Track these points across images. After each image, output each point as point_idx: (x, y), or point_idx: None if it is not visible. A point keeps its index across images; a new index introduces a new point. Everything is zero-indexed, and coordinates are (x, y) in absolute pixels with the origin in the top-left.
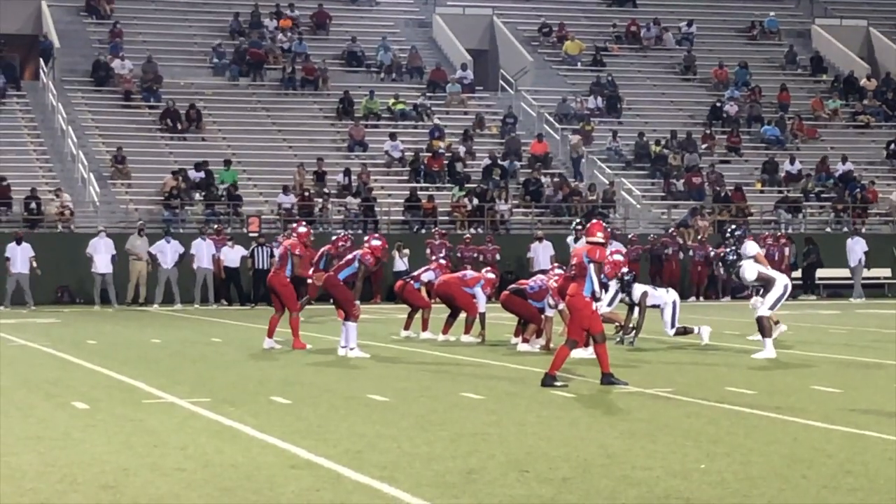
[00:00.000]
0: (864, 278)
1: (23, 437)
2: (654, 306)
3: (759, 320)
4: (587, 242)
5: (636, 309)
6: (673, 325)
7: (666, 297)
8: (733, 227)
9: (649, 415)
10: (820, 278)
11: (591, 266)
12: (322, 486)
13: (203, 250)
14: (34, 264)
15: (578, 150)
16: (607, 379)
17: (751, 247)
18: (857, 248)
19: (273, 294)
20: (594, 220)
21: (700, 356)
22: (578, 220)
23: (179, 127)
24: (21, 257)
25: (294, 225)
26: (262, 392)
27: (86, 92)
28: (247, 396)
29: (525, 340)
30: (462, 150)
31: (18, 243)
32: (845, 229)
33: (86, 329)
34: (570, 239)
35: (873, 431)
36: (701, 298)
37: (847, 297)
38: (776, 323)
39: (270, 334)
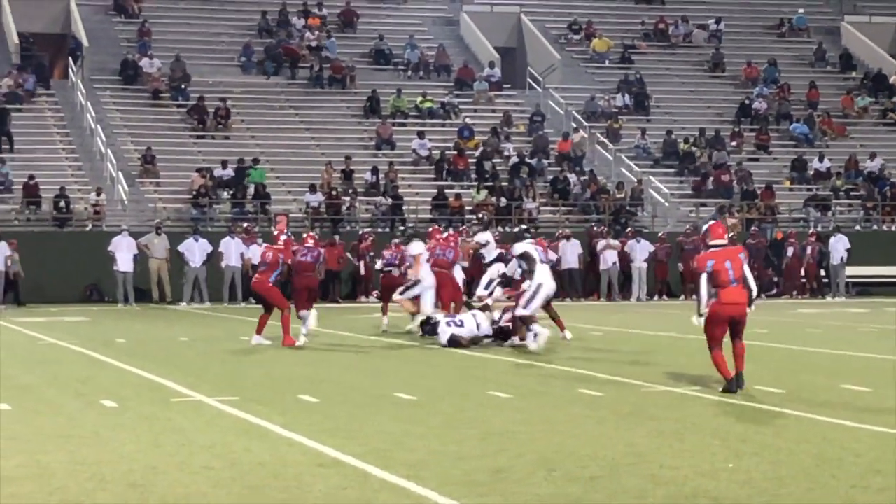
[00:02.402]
0: (888, 276)
1: (52, 435)
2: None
3: (517, 318)
4: (714, 247)
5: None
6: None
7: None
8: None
9: (677, 414)
10: (849, 276)
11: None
12: (349, 484)
13: (231, 249)
14: (9, 263)
15: (583, 148)
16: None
17: (518, 247)
18: (839, 245)
19: (258, 299)
20: (713, 222)
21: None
22: (525, 227)
23: (207, 125)
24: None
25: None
26: (289, 390)
27: (114, 91)
28: (274, 395)
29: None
30: (507, 145)
31: None
32: (875, 227)
33: (114, 327)
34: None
35: None
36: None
37: (875, 295)
38: (562, 331)
39: (259, 331)
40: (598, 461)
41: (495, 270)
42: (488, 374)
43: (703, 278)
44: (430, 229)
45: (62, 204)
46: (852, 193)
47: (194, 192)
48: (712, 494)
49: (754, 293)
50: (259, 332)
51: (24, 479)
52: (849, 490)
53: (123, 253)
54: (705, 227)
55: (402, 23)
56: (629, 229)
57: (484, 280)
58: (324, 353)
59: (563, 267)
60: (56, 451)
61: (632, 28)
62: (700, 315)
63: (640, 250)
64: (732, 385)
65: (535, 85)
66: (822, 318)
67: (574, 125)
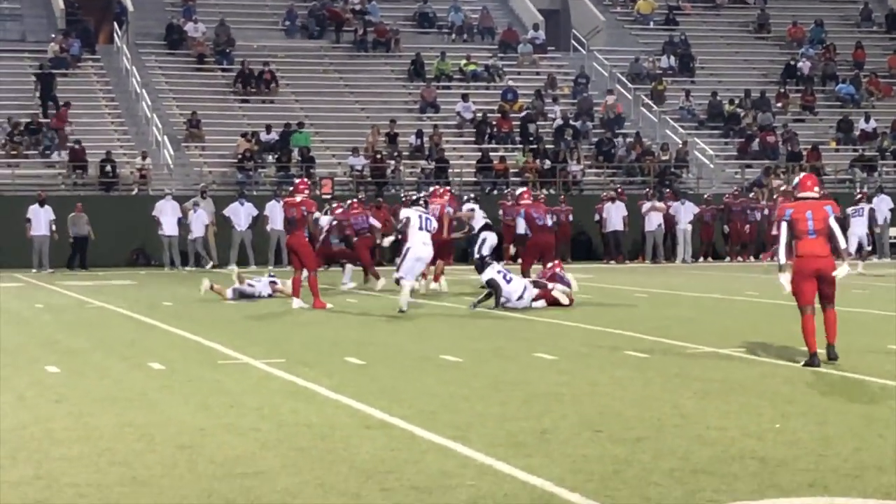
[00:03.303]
0: None
1: (100, 397)
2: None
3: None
4: (801, 198)
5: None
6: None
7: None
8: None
9: (723, 375)
10: (893, 237)
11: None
12: (396, 446)
13: (277, 212)
14: (53, 228)
15: (614, 110)
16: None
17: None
18: (882, 206)
19: (293, 254)
20: (804, 174)
21: (772, 315)
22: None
23: (252, 89)
24: (44, 220)
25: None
26: (336, 353)
27: (159, 55)
28: (321, 357)
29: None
30: (552, 108)
31: (41, 205)
32: None
33: (161, 291)
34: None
35: None
36: (775, 258)
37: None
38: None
39: (297, 294)
40: (643, 422)
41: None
42: (533, 336)
43: (783, 227)
44: (432, 189)
45: (108, 168)
46: None
47: (239, 157)
48: (759, 455)
49: (842, 245)
50: (296, 294)
51: (74, 441)
52: None
53: (168, 217)
54: (797, 179)
55: None
56: (668, 191)
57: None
58: (369, 316)
59: (607, 229)
60: (104, 413)
61: None
62: (782, 270)
63: (685, 212)
64: (815, 360)
65: (579, 47)
66: (869, 279)
67: (609, 88)
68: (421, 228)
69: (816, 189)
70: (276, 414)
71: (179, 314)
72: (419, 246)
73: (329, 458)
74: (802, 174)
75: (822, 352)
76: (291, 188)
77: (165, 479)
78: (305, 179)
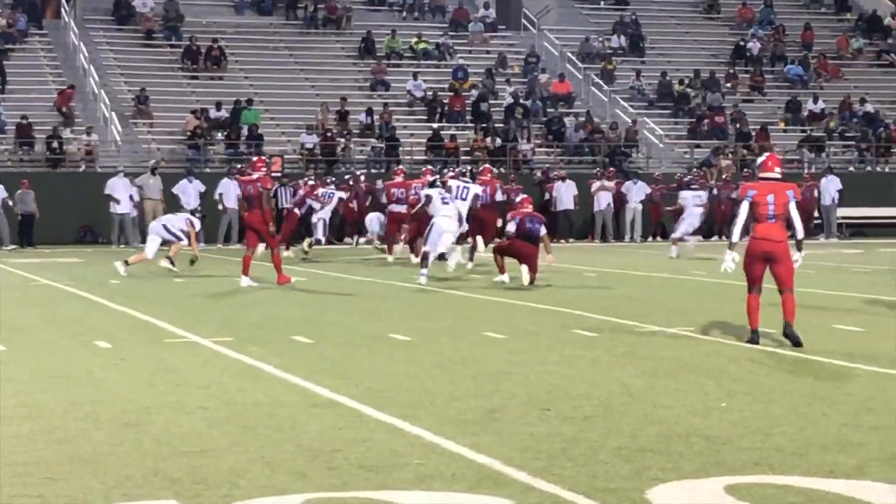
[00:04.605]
0: (880, 217)
1: (46, 375)
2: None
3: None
4: (764, 178)
5: None
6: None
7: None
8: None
9: (670, 353)
10: (842, 217)
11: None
12: (344, 424)
13: (231, 190)
14: (10, 203)
15: (548, 88)
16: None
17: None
18: (830, 187)
19: (250, 232)
20: (768, 154)
21: (719, 294)
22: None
23: (201, 66)
24: None
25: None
26: (284, 331)
27: (107, 31)
28: (269, 336)
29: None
30: (502, 87)
31: None
32: (868, 168)
33: (108, 269)
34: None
35: (894, 370)
36: (723, 237)
37: (868, 236)
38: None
39: (246, 272)
40: (591, 401)
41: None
42: (483, 315)
43: (742, 207)
44: (424, 170)
45: (55, 145)
46: (846, 135)
47: (188, 133)
48: (704, 433)
49: (799, 234)
50: (246, 272)
51: (24, 419)
52: (841, 428)
53: (121, 194)
54: (760, 159)
55: None
56: (612, 169)
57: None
58: (319, 295)
59: (558, 208)
60: (49, 391)
61: None
62: (731, 249)
63: (636, 191)
64: (756, 337)
65: (529, 26)
66: (816, 259)
67: (543, 67)
68: (445, 203)
69: (778, 170)
70: (224, 392)
71: (126, 292)
72: (443, 220)
73: (276, 437)
74: (766, 154)
75: (776, 331)
76: (240, 165)
77: (111, 457)
78: (263, 157)
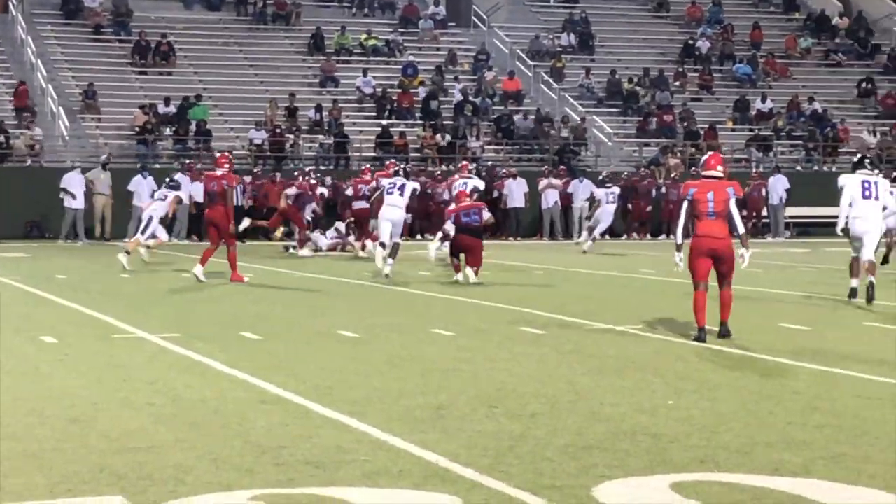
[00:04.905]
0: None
1: None
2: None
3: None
4: (706, 177)
5: None
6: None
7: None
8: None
9: (618, 351)
10: (790, 216)
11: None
12: (291, 421)
13: (186, 186)
14: None
15: (493, 87)
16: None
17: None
18: (778, 186)
19: (211, 228)
20: (711, 153)
21: (667, 292)
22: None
23: (150, 61)
24: None
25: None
26: (232, 327)
27: (55, 25)
28: (217, 332)
29: None
30: (452, 84)
31: None
32: (815, 168)
33: (55, 264)
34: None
35: (840, 368)
36: (671, 236)
37: (815, 235)
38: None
39: (203, 262)
40: (538, 398)
41: None
42: (432, 312)
43: (683, 206)
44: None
45: (1, 139)
46: (794, 134)
47: (137, 129)
48: (651, 431)
49: (739, 230)
50: (203, 262)
51: None
52: (786, 426)
53: (76, 189)
54: (703, 157)
55: None
56: (562, 168)
57: None
58: (269, 291)
59: (508, 206)
60: None
61: None
62: (678, 249)
63: (583, 190)
64: (703, 335)
65: (479, 24)
66: (763, 258)
67: (490, 65)
68: (390, 193)
69: (720, 168)
70: (170, 388)
71: (74, 287)
72: (387, 209)
73: (223, 433)
74: (709, 152)
75: (714, 328)
76: (189, 161)
77: (57, 453)
78: (227, 153)
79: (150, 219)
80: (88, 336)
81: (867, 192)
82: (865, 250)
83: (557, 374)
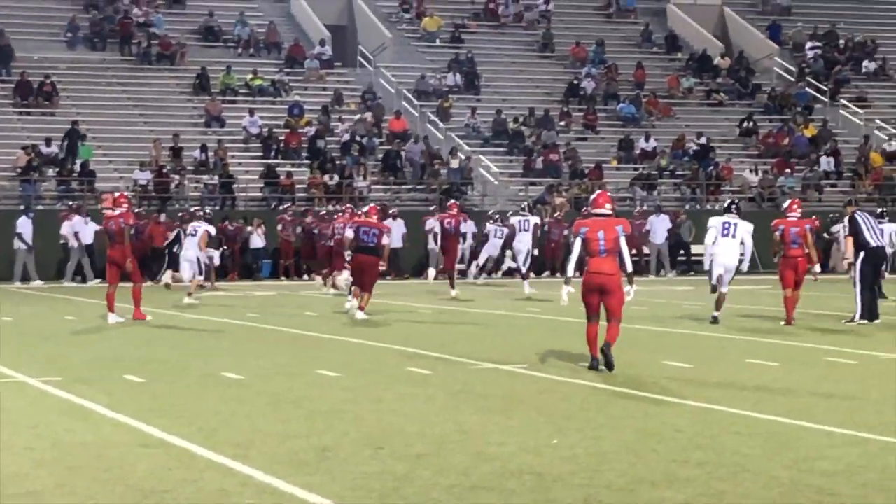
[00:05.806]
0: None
1: None
2: None
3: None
4: (595, 215)
5: None
6: None
7: None
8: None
9: (504, 391)
10: (673, 255)
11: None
12: (174, 464)
13: (81, 227)
14: None
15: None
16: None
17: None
18: (660, 225)
19: (113, 267)
20: (599, 192)
21: (553, 331)
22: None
23: (32, 101)
24: None
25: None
26: (115, 370)
27: None
28: (100, 375)
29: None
30: (337, 124)
31: None
32: (698, 206)
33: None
34: None
35: (723, 406)
36: (557, 275)
37: (699, 273)
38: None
39: (112, 309)
40: (425, 439)
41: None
42: (318, 353)
43: (576, 243)
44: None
45: None
46: (677, 173)
47: (19, 170)
48: (536, 470)
49: (628, 268)
50: (111, 309)
51: None
52: (669, 464)
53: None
54: (592, 196)
55: None
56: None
57: None
58: (154, 332)
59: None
60: None
61: (462, 7)
62: (566, 283)
63: (469, 229)
64: (595, 363)
65: (366, 63)
66: (647, 296)
67: (365, 105)
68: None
69: (608, 206)
70: (51, 433)
71: None
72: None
73: (104, 478)
74: (598, 191)
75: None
76: (72, 203)
77: None
78: (125, 193)
79: (198, 259)
80: None
81: (726, 232)
82: (723, 283)
83: (444, 414)
